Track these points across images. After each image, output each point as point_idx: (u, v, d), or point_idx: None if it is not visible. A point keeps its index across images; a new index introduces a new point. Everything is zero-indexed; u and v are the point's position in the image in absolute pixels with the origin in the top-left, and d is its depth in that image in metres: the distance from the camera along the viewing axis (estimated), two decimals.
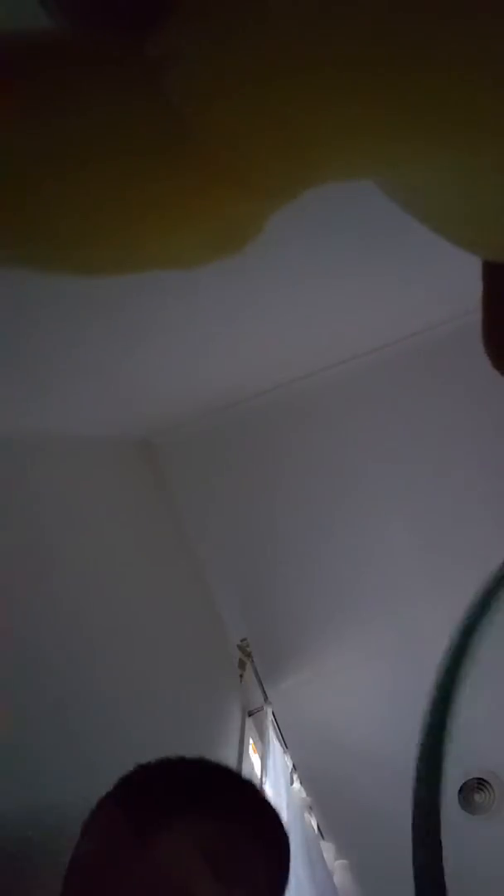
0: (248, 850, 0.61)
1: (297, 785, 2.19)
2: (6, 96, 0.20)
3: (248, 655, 2.34)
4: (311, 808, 2.31)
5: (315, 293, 1.38)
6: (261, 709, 2.23)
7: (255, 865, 0.60)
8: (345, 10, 0.19)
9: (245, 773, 1.78)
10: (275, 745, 2.02)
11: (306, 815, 2.17)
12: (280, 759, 2.04)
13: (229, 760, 1.72)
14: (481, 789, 2.37)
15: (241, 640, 2.37)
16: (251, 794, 0.67)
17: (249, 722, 2.16)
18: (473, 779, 2.36)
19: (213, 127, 0.21)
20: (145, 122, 0.21)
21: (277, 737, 2.22)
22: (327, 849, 2.17)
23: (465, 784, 2.36)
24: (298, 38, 0.20)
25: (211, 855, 0.56)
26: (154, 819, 0.59)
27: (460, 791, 2.36)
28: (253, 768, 1.92)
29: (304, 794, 2.26)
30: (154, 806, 0.60)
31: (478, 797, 2.37)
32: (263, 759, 1.83)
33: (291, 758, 2.29)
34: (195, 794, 0.62)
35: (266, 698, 2.30)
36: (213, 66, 0.21)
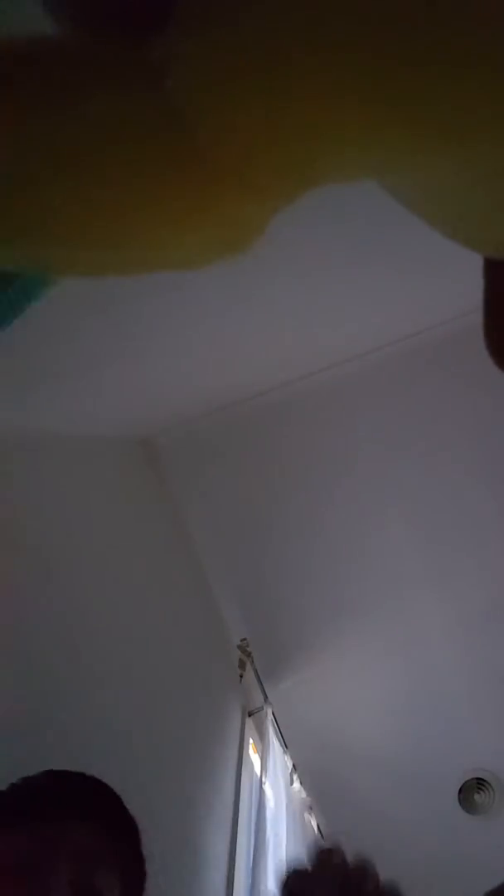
0: (108, 865, 0.62)
1: (297, 785, 2.19)
2: (6, 97, 0.20)
3: (248, 655, 2.34)
4: (311, 808, 2.31)
5: (315, 293, 1.38)
6: (261, 709, 2.23)
7: (73, 843, 0.61)
8: (347, 9, 0.19)
9: (245, 773, 1.78)
10: (275, 745, 2.02)
11: (306, 815, 2.17)
12: (280, 759, 2.04)
13: (229, 760, 1.72)
14: (481, 789, 2.37)
15: (241, 640, 2.37)
16: (76, 789, 0.69)
17: (249, 722, 2.16)
18: (473, 779, 2.36)
19: (214, 127, 0.21)
20: (146, 124, 0.21)
21: (277, 737, 2.22)
22: None
23: (465, 784, 2.36)
24: (300, 39, 0.20)
25: (74, 865, 0.57)
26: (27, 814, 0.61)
27: (460, 791, 2.36)
28: (253, 768, 1.92)
29: (304, 794, 2.26)
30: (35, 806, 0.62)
31: (478, 797, 2.37)
32: (263, 759, 1.83)
33: (291, 758, 2.29)
34: (75, 804, 0.64)
35: (266, 698, 2.31)
36: (214, 66, 0.21)
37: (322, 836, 2.30)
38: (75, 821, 0.62)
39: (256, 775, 1.88)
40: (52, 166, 0.20)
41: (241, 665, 2.30)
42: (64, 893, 0.55)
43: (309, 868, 0.65)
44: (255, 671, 2.32)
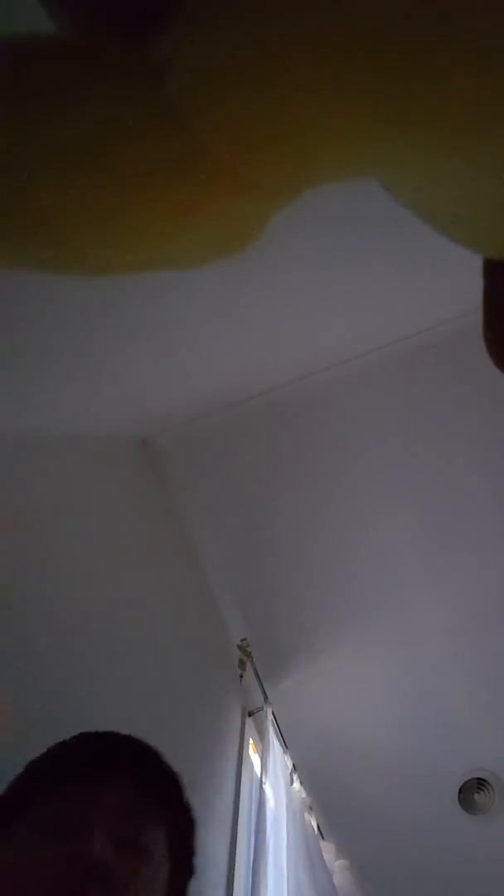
0: (149, 820, 0.62)
1: (297, 785, 2.19)
2: (6, 98, 0.20)
3: (248, 655, 2.34)
4: (311, 808, 2.31)
5: (315, 293, 1.38)
6: (261, 709, 2.23)
7: (112, 800, 0.61)
8: (345, 8, 0.19)
9: (245, 773, 1.78)
10: (275, 745, 2.02)
11: (306, 815, 2.17)
12: (280, 759, 2.04)
13: (229, 760, 1.72)
14: (481, 789, 2.37)
15: (241, 640, 2.37)
16: (153, 765, 0.69)
17: (249, 722, 2.16)
18: (473, 779, 2.36)
19: (213, 126, 0.21)
20: (146, 123, 0.21)
21: (277, 737, 2.22)
22: (327, 849, 2.17)
23: (465, 784, 2.36)
24: (297, 39, 0.20)
25: (46, 825, 0.57)
26: (65, 777, 0.61)
27: (460, 791, 2.36)
28: (253, 768, 1.92)
29: (304, 794, 2.26)
30: (8, 799, 0.62)
31: (478, 797, 2.37)
32: (263, 759, 1.83)
33: (291, 758, 2.29)
34: (107, 763, 0.64)
35: (266, 698, 2.30)
36: (213, 66, 0.21)
37: (322, 836, 2.30)
38: (115, 779, 0.63)
39: (256, 775, 1.88)
40: (52, 166, 0.20)
41: (241, 665, 2.30)
42: (108, 853, 0.55)
43: None
44: (255, 671, 2.32)
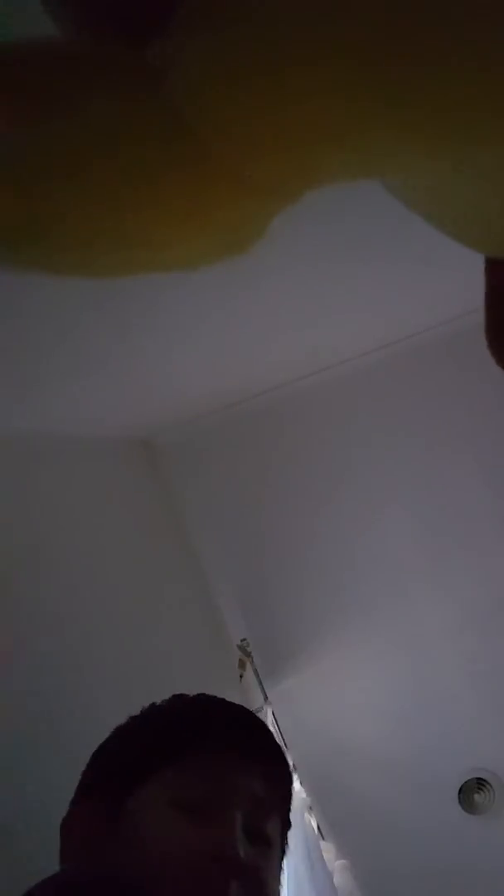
0: (273, 809, 0.61)
1: (297, 785, 2.19)
2: (9, 100, 0.20)
3: (248, 655, 2.34)
4: (311, 808, 2.31)
5: (315, 293, 1.38)
6: (261, 709, 2.23)
7: (247, 786, 0.59)
8: (346, 11, 0.19)
9: None
10: None
11: (306, 815, 2.17)
12: None
13: None
14: (481, 789, 2.36)
15: (241, 640, 2.37)
16: (238, 723, 0.68)
17: None
18: (473, 779, 2.36)
19: (215, 128, 0.21)
20: (148, 125, 0.21)
21: (278, 737, 2.21)
22: (327, 849, 2.17)
23: (465, 784, 2.36)
24: (299, 41, 0.20)
25: (182, 801, 0.56)
26: (117, 791, 0.60)
27: (460, 791, 2.36)
28: None
29: (304, 794, 2.26)
30: (121, 772, 0.61)
31: (478, 797, 2.36)
32: None
33: (291, 758, 2.29)
34: (165, 746, 0.62)
35: (266, 698, 2.30)
36: (215, 67, 0.21)
37: (322, 836, 2.30)
38: (247, 761, 0.61)
39: None
40: (54, 170, 0.20)
41: (241, 665, 2.30)
42: (237, 839, 0.54)
43: None
44: (255, 671, 2.32)
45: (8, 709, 0.87)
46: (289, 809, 0.66)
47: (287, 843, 0.65)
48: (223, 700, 0.68)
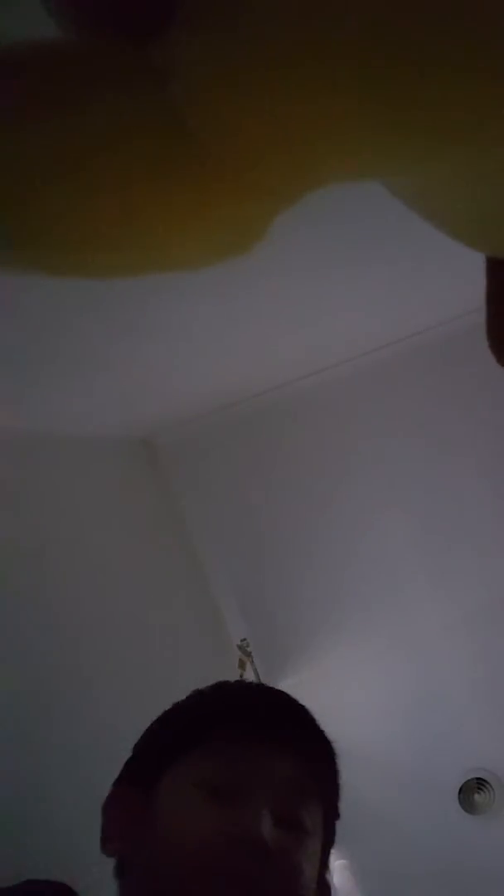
0: (311, 797, 0.61)
1: None
2: (9, 100, 0.20)
3: (248, 655, 2.34)
4: None
5: (315, 293, 1.38)
6: None
7: (275, 769, 0.59)
8: (346, 11, 0.19)
9: None
10: None
11: None
12: None
13: None
14: (481, 789, 2.36)
15: (241, 640, 2.37)
16: (273, 707, 0.67)
17: None
18: (473, 779, 2.36)
19: (216, 129, 0.21)
20: (149, 126, 0.21)
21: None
22: None
23: (465, 784, 2.36)
24: (300, 41, 0.20)
25: (207, 782, 0.57)
26: (151, 772, 0.60)
27: (460, 791, 2.36)
28: None
29: None
30: (155, 754, 0.62)
31: (478, 797, 2.36)
32: None
33: None
34: (194, 729, 0.63)
35: None
36: (217, 68, 0.21)
37: None
38: (268, 743, 0.60)
39: None
40: (55, 170, 0.20)
41: (241, 665, 2.30)
42: (272, 832, 0.53)
43: None
44: (255, 671, 2.32)
45: (8, 708, 0.87)
46: (336, 798, 0.66)
47: (334, 833, 0.65)
48: (263, 686, 0.68)
